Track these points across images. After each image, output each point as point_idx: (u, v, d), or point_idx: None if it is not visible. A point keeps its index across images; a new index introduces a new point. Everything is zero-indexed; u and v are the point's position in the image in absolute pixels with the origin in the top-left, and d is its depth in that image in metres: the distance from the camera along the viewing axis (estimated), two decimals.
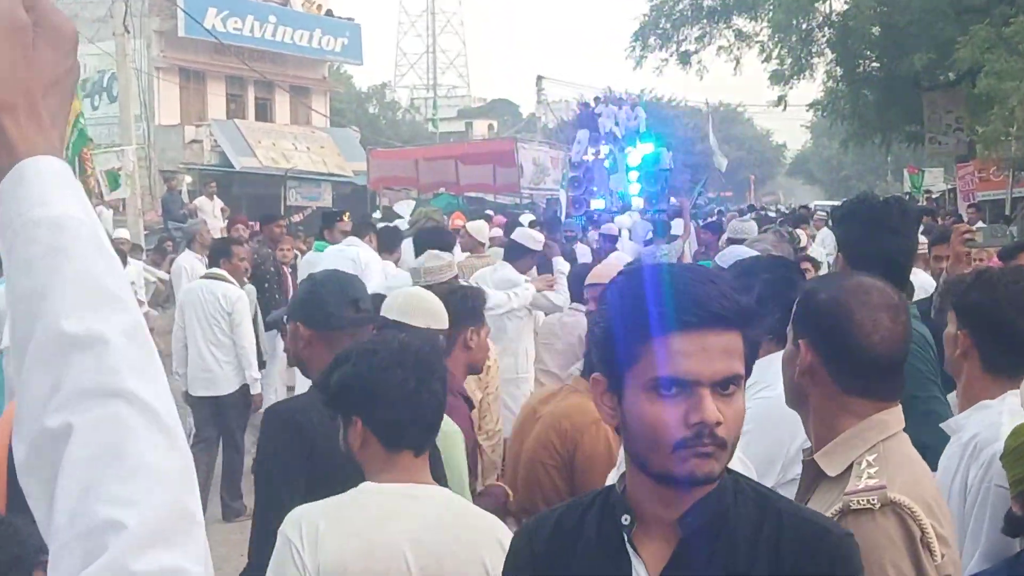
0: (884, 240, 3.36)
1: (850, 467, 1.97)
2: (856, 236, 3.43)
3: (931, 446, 2.34)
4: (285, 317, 3.40)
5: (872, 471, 1.94)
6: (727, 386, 1.61)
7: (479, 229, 10.14)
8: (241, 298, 8.05)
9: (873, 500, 1.86)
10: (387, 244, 9.66)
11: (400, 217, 14.63)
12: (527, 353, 7.06)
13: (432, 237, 9.13)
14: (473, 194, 29.94)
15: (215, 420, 7.87)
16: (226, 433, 7.95)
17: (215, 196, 19.36)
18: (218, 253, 8.46)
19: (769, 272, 3.24)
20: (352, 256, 8.67)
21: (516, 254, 7.65)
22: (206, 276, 8.32)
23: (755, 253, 5.17)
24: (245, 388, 7.96)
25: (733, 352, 1.61)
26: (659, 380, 1.59)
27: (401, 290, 3.83)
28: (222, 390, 7.86)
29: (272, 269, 9.92)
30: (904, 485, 1.90)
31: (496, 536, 2.43)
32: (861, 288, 2.10)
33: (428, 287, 5.10)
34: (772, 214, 23.37)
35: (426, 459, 2.51)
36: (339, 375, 2.51)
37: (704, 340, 1.59)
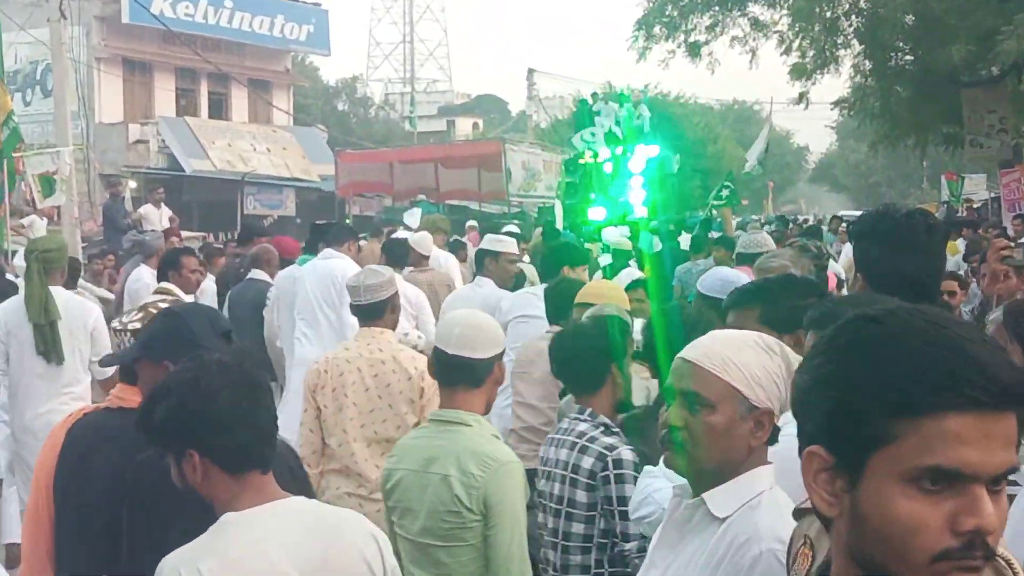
0: (907, 259, 3.37)
1: None
2: (876, 255, 3.44)
3: None
4: (136, 354, 3.33)
5: None
6: (999, 482, 1.43)
7: (421, 241, 10.24)
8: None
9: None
10: (397, 257, 9.74)
11: (409, 228, 14.69)
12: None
13: (399, 249, 9.42)
14: (455, 202, 29.96)
15: None
16: None
17: (163, 204, 19.32)
18: (166, 265, 8.53)
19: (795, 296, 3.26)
20: (331, 269, 8.62)
21: (480, 264, 8.04)
22: (156, 291, 8.31)
23: (743, 277, 5.16)
24: None
25: (1013, 440, 1.42)
26: (927, 470, 1.40)
27: (452, 318, 3.93)
28: None
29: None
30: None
31: (367, 529, 2.74)
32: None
33: (368, 305, 5.36)
34: (799, 223, 23.47)
35: (271, 474, 2.70)
36: (163, 410, 2.65)
37: (990, 424, 1.40)
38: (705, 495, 2.51)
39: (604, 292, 5.42)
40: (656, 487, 3.33)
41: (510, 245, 8.39)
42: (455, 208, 29.83)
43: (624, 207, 23.51)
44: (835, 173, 70.35)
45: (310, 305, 8.42)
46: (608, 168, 23.68)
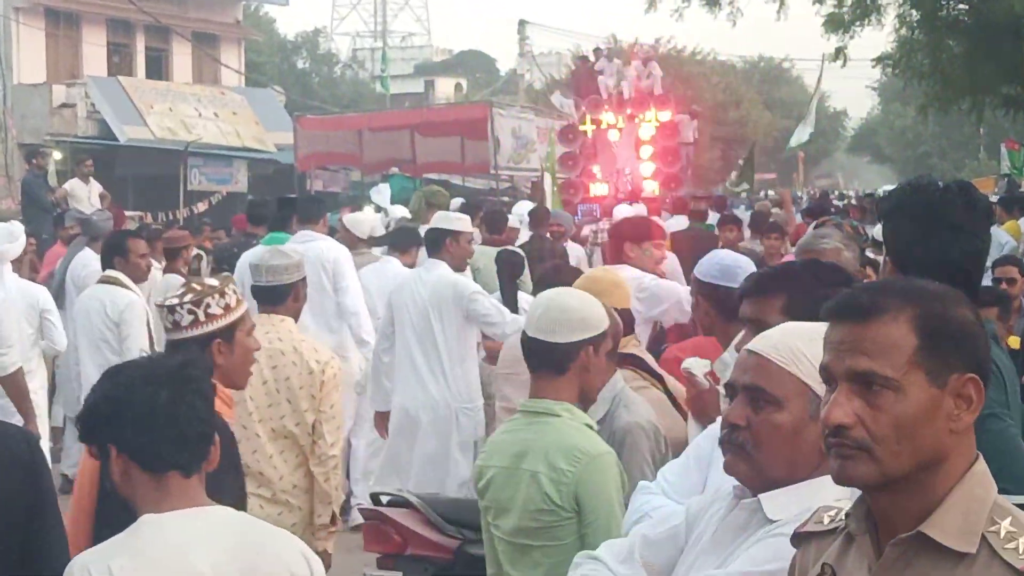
0: (942, 240, 3.38)
1: (981, 538, 2.03)
2: (907, 235, 3.46)
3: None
4: None
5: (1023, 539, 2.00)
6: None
7: (356, 222, 10.45)
8: (131, 305, 8.23)
9: None
10: (400, 243, 10.21)
11: (380, 209, 14.65)
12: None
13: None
14: (434, 176, 29.89)
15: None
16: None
17: (91, 178, 19.28)
18: (110, 250, 8.58)
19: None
20: (318, 252, 8.94)
21: (434, 245, 8.25)
22: (100, 281, 8.50)
23: (744, 261, 5.17)
24: None
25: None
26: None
27: (539, 298, 4.23)
28: None
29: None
30: None
31: (298, 547, 3.02)
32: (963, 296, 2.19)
33: (269, 288, 5.67)
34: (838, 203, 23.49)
35: (200, 479, 2.94)
36: (86, 404, 2.94)
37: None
38: (762, 495, 2.62)
39: (602, 287, 5.46)
40: (655, 505, 3.37)
41: (468, 223, 8.57)
42: (434, 183, 29.77)
43: (631, 182, 23.52)
44: (878, 142, 70.38)
45: None
46: (613, 136, 23.69)
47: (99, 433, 2.92)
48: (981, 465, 2.10)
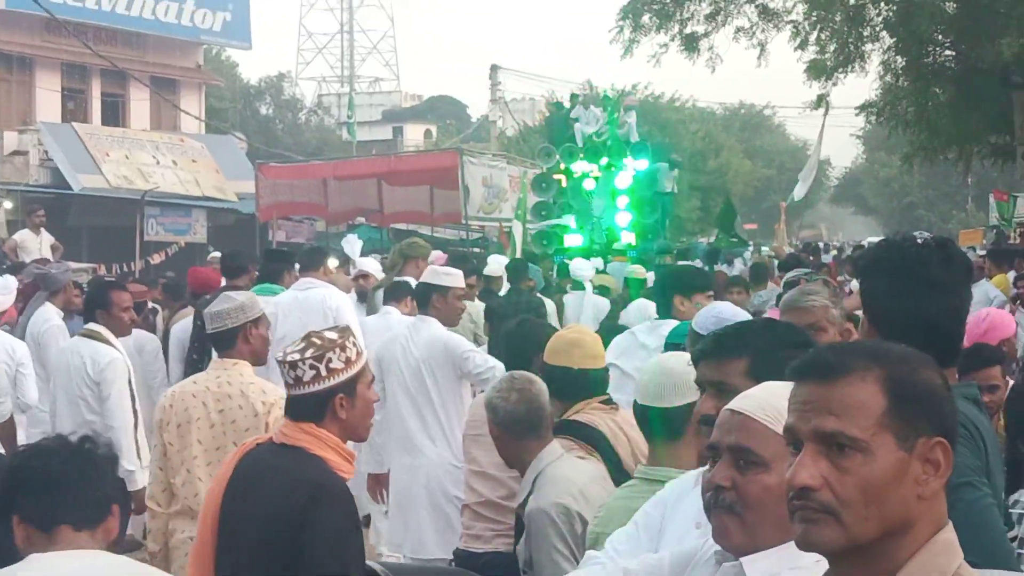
0: (919, 297, 3.39)
1: None
2: (882, 292, 3.47)
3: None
4: None
5: None
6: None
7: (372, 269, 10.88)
8: (113, 363, 8.16)
9: None
10: (396, 293, 10.66)
11: (347, 261, 14.70)
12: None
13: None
14: (402, 226, 29.86)
15: None
16: None
17: (43, 228, 19.18)
18: (93, 303, 8.53)
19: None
20: (321, 299, 9.41)
21: (423, 301, 8.36)
22: (82, 334, 8.46)
23: (741, 313, 5.16)
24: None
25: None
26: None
27: (647, 366, 4.32)
28: None
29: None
30: None
31: None
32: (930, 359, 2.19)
33: (215, 334, 5.99)
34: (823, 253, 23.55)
35: (93, 536, 3.36)
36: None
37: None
38: (744, 559, 2.62)
39: (558, 347, 5.47)
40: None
41: (459, 279, 8.56)
42: (402, 233, 29.77)
43: (608, 232, 23.58)
44: (862, 192, 70.91)
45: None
46: (588, 185, 23.77)
47: (5, 505, 3.37)
48: (948, 533, 2.11)
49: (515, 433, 5.02)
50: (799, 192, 29.61)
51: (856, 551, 2.08)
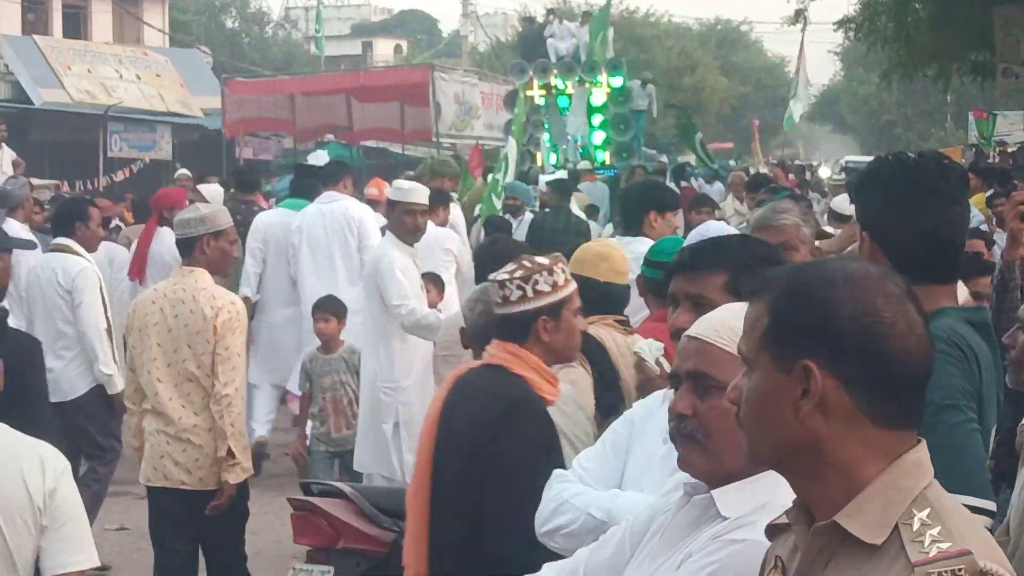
0: (923, 207, 3.39)
1: (894, 529, 2.02)
2: (881, 205, 3.46)
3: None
4: None
5: (934, 532, 1.97)
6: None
7: (213, 194, 11.23)
8: (84, 271, 8.42)
9: (960, 572, 1.91)
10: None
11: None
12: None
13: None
14: (372, 143, 29.77)
15: (66, 432, 7.93)
16: (79, 449, 8.24)
17: (4, 144, 19.05)
18: (69, 216, 8.74)
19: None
20: (344, 211, 10.16)
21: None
22: (51, 249, 8.74)
23: (731, 229, 5.18)
24: (100, 389, 8.43)
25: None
26: None
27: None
28: (66, 394, 8.31)
29: None
30: (982, 547, 1.97)
31: (38, 453, 3.62)
32: (870, 276, 2.13)
33: (178, 241, 6.55)
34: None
35: None
36: None
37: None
38: (715, 491, 2.62)
39: (608, 263, 5.54)
40: (572, 492, 3.39)
41: (417, 194, 8.64)
42: (372, 151, 29.69)
43: (582, 152, 23.55)
44: (840, 110, 70.77)
45: (323, 252, 10.15)
46: (563, 103, 23.71)
47: None
48: (917, 454, 2.09)
49: (480, 346, 5.03)
50: (796, 112, 29.51)
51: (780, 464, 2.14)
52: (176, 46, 39.71)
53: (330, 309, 8.92)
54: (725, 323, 2.65)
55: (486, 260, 6.54)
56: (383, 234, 9.38)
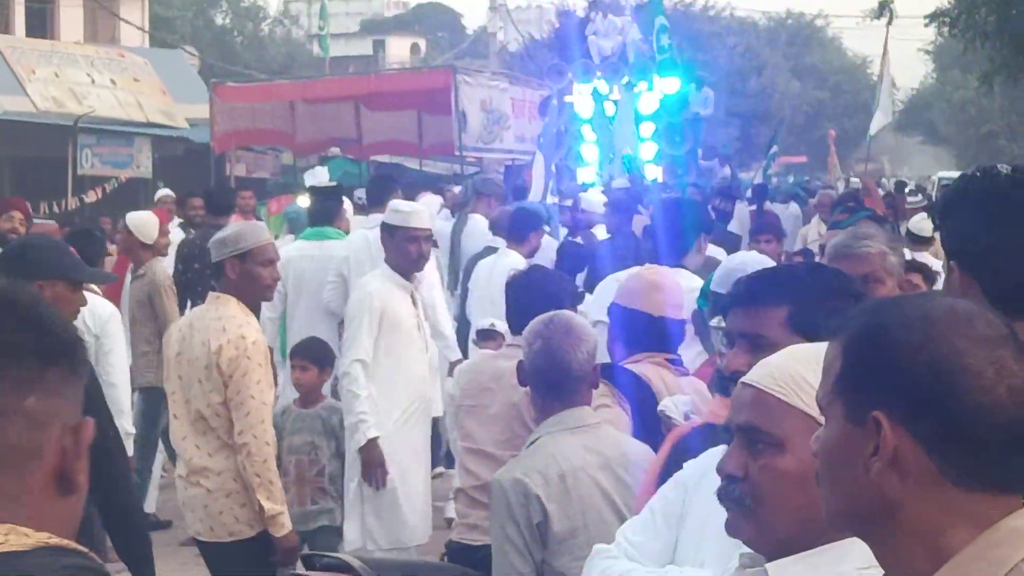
0: (1013, 231, 3.36)
1: None
2: (973, 227, 3.43)
3: None
4: None
5: None
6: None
7: (143, 225, 10.99)
8: (113, 316, 8.66)
9: None
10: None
11: (306, 191, 14.62)
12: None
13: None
14: (385, 158, 29.80)
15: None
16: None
17: None
18: (92, 254, 9.06)
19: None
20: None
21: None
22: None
23: (766, 260, 5.15)
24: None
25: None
26: None
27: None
28: None
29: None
30: None
31: None
32: (955, 314, 2.11)
33: (214, 264, 6.72)
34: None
35: None
36: None
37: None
38: (769, 565, 2.60)
39: (662, 295, 5.54)
40: (620, 570, 3.37)
41: (420, 217, 8.60)
42: (384, 167, 29.69)
43: (630, 165, 23.50)
44: (932, 118, 70.68)
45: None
46: (607, 110, 23.68)
47: None
48: (1016, 520, 2.06)
49: (535, 387, 4.99)
50: (877, 123, 29.41)
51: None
52: (158, 46, 39.93)
53: (310, 355, 8.56)
54: (785, 369, 2.63)
55: (523, 292, 6.50)
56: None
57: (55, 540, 1.95)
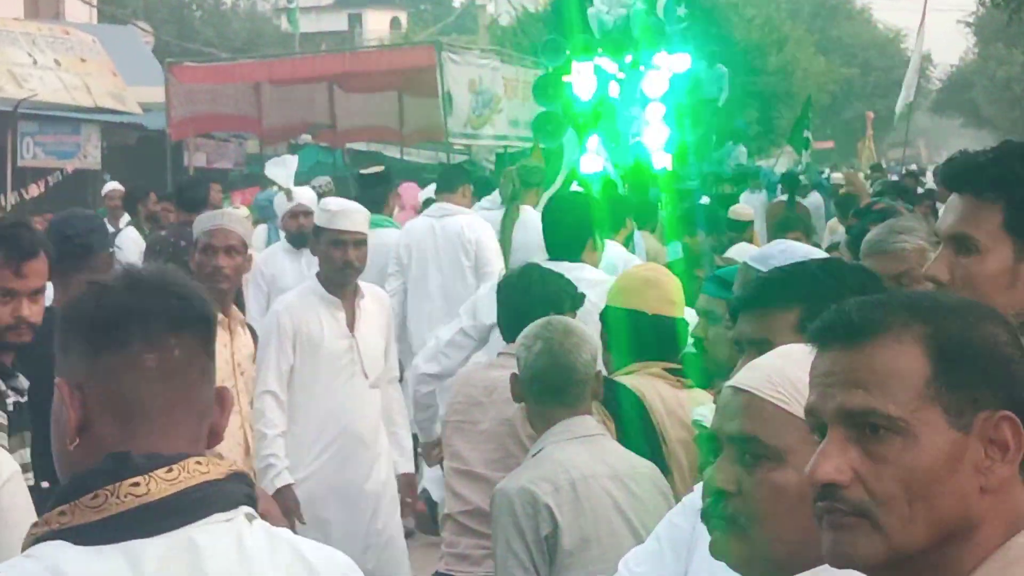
0: None
1: None
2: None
3: None
4: None
5: None
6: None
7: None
8: None
9: None
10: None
11: (282, 189, 14.51)
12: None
13: None
14: (362, 146, 29.80)
15: None
16: None
17: None
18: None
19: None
20: (455, 232, 10.53)
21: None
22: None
23: (818, 252, 5.15)
24: None
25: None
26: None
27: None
28: None
29: None
30: None
31: None
32: (998, 314, 2.20)
33: None
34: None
35: None
36: None
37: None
38: None
39: (657, 291, 5.51)
40: None
41: (350, 218, 8.10)
42: (361, 156, 29.71)
43: (636, 153, 23.51)
44: (973, 98, 70.75)
45: (431, 279, 10.61)
46: (611, 91, 23.69)
47: None
48: None
49: (536, 395, 5.00)
50: (900, 104, 29.51)
51: (903, 563, 2.07)
52: (107, 22, 39.93)
53: None
54: (783, 372, 2.60)
55: (519, 301, 6.51)
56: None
57: (236, 467, 2.68)
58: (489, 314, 7.25)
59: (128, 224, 16.09)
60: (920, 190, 20.85)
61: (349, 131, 27.80)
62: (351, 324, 8.07)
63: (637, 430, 5.13)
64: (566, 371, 4.97)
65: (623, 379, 5.37)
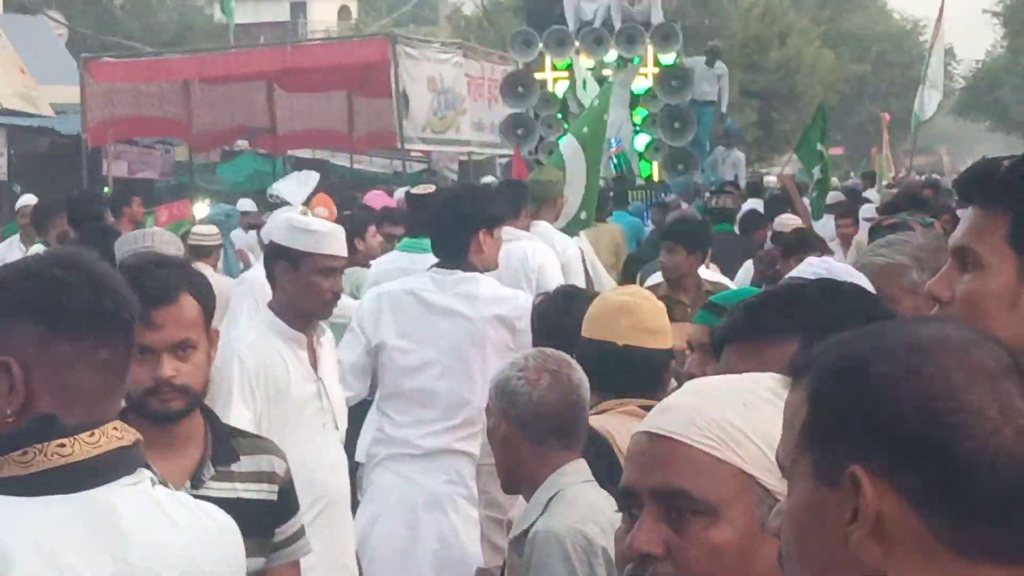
0: None
1: None
2: None
3: None
4: None
5: None
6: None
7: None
8: None
9: None
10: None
11: (284, 204, 14.54)
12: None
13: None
14: (306, 153, 29.81)
15: None
16: None
17: None
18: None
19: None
20: (519, 259, 10.24)
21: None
22: None
23: (856, 274, 5.16)
24: None
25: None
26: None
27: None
28: None
29: None
30: None
31: None
32: (949, 342, 2.11)
33: None
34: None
35: None
36: None
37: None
38: None
39: (631, 318, 5.53)
40: None
41: (336, 242, 7.55)
42: (305, 164, 29.72)
43: (619, 158, 23.60)
44: (1002, 97, 71.07)
45: None
46: (591, 88, 23.78)
47: None
48: None
49: (534, 434, 4.96)
50: (929, 104, 29.57)
51: None
52: (13, 11, 39.93)
53: None
54: (707, 414, 2.56)
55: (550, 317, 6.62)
56: None
57: (136, 434, 3.22)
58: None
59: (37, 245, 15.92)
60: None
61: (291, 136, 27.85)
62: (314, 364, 7.50)
63: (602, 477, 5.12)
64: (578, 408, 4.99)
65: (592, 419, 5.35)
